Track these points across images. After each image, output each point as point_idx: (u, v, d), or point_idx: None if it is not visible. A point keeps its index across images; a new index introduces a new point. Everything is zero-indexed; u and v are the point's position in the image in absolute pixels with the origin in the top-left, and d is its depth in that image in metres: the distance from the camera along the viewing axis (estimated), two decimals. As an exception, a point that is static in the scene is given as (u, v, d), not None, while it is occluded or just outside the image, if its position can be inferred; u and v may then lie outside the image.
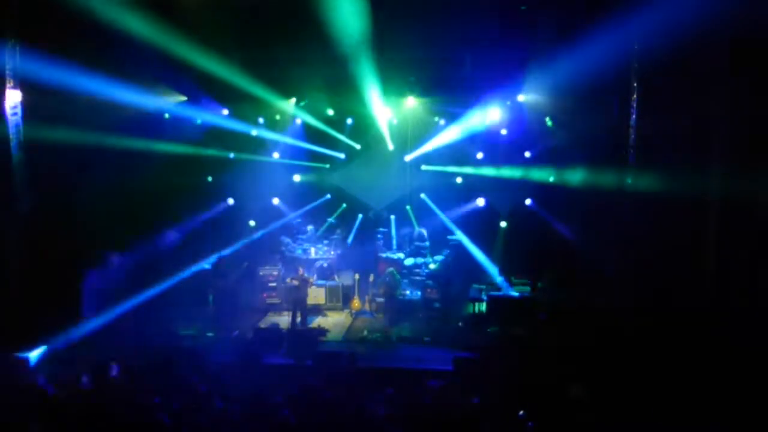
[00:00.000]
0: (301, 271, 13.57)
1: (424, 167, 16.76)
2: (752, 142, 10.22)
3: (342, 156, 17.05)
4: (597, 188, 12.94)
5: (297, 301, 13.39)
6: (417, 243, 16.08)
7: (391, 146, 16.60)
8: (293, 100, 15.48)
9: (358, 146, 16.93)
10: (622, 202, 12.12)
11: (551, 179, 15.32)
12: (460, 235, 15.88)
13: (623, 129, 12.03)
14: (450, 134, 15.63)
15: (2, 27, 10.66)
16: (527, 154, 15.59)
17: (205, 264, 14.39)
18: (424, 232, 16.19)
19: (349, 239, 16.49)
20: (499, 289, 14.12)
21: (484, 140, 15.88)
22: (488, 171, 15.95)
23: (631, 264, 11.75)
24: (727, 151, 10.68)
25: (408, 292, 14.83)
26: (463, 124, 15.14)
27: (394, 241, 16.55)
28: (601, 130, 12.72)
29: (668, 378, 9.37)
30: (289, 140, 16.47)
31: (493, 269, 14.88)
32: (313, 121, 16.13)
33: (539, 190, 15.51)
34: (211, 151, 15.93)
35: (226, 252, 14.56)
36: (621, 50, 11.20)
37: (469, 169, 16.30)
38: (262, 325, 13.49)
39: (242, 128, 16.07)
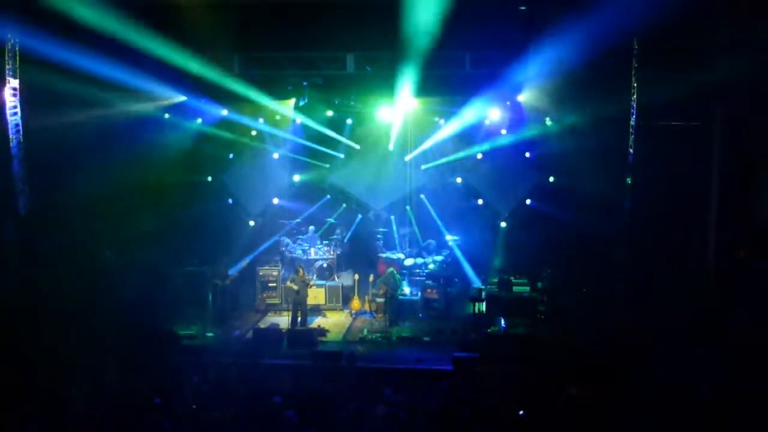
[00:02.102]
0: (301, 272, 13.53)
1: (424, 167, 16.74)
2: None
3: (341, 156, 17.01)
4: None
5: (297, 302, 13.36)
6: (422, 251, 15.95)
7: (391, 146, 16.57)
8: (293, 100, 15.48)
9: (357, 146, 16.89)
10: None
11: (551, 179, 15.36)
12: (452, 245, 15.83)
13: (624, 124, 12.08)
14: (449, 130, 15.54)
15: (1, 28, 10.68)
16: (527, 155, 15.60)
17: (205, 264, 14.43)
18: (433, 243, 16.09)
19: (346, 238, 16.45)
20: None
21: (484, 140, 15.86)
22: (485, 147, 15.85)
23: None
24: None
25: (408, 292, 14.81)
26: (462, 119, 15.07)
27: (398, 243, 16.47)
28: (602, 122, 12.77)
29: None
30: (289, 136, 16.41)
31: (476, 279, 14.95)
32: (312, 122, 16.12)
33: (540, 187, 15.53)
34: (210, 150, 15.92)
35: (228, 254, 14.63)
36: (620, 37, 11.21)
37: (465, 152, 16.18)
38: (262, 325, 13.48)
39: (242, 128, 16.09)
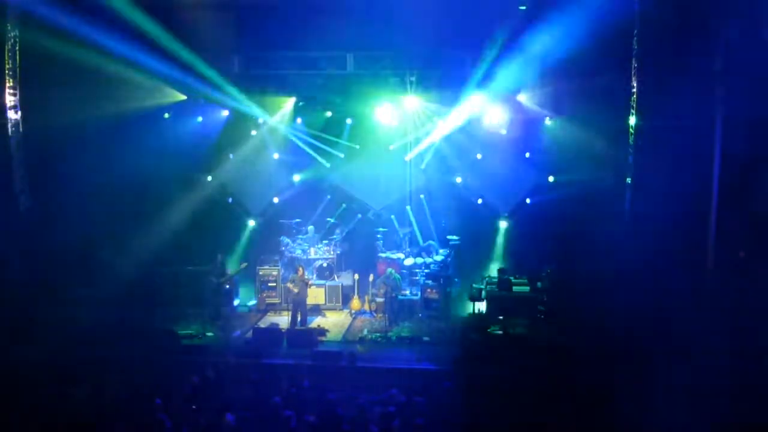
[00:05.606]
0: (301, 271, 13.52)
1: (423, 166, 16.71)
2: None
3: (341, 155, 16.98)
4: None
5: (297, 302, 13.35)
6: (422, 251, 15.94)
7: (391, 146, 16.55)
8: (293, 100, 15.45)
9: (357, 146, 16.87)
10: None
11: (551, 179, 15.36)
12: (442, 252, 15.80)
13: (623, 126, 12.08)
14: (449, 129, 15.51)
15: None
16: (527, 155, 15.59)
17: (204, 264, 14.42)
18: (433, 244, 16.07)
19: (343, 233, 16.41)
20: None
21: (484, 140, 15.85)
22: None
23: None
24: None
25: (408, 292, 14.80)
26: (462, 119, 15.04)
27: (405, 243, 16.44)
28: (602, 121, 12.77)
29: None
30: (290, 133, 16.41)
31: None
32: (312, 122, 16.10)
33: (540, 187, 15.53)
34: (210, 149, 15.93)
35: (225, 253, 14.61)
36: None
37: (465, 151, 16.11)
38: (262, 325, 13.48)
39: (242, 128, 16.08)
